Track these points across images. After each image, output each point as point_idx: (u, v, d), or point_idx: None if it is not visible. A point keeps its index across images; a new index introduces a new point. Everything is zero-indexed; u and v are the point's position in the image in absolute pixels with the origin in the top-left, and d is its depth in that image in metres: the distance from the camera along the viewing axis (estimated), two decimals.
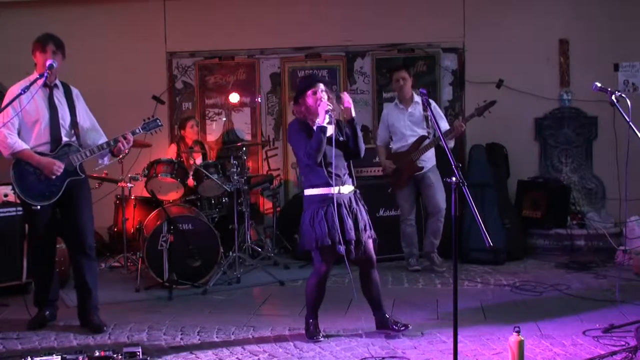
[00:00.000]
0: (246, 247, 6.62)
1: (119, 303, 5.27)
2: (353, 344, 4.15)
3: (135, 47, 7.57)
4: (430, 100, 6.21)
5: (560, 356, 3.83)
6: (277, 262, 6.59)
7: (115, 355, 3.67)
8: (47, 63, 4.27)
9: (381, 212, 6.60)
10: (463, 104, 7.52)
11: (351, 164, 4.32)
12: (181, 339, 4.34)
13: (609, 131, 6.18)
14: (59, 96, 4.52)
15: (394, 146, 6.24)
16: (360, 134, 4.25)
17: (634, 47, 7.18)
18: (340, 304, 5.00)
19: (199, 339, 4.33)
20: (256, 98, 7.77)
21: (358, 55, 7.67)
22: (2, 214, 5.42)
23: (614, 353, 3.78)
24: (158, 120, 4.76)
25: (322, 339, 4.22)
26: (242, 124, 7.82)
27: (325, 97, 4.16)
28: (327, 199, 4.11)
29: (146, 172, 6.13)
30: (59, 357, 3.67)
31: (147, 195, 6.27)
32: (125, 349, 3.76)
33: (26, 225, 4.82)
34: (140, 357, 3.74)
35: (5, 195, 5.51)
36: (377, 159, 6.59)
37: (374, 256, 4.33)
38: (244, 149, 6.35)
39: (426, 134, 6.07)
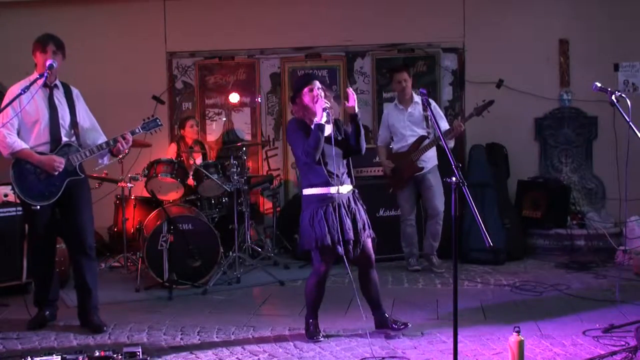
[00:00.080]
0: (246, 247, 6.62)
1: (119, 303, 5.27)
2: (353, 344, 4.15)
3: (135, 47, 7.57)
4: (430, 100, 6.21)
5: (560, 356, 3.83)
6: (277, 262, 6.60)
7: (115, 355, 3.67)
8: (47, 63, 4.27)
9: (381, 212, 6.60)
10: (463, 104, 7.52)
11: (350, 164, 4.32)
12: (181, 339, 4.34)
13: (609, 131, 6.19)
14: (59, 96, 4.52)
15: (395, 146, 6.25)
16: (362, 130, 4.25)
17: (634, 47, 7.18)
18: (340, 304, 5.00)
19: (199, 339, 4.33)
20: (256, 98, 7.77)
21: (358, 55, 7.67)
22: (2, 214, 5.42)
23: (614, 353, 3.78)
24: (158, 120, 4.76)
25: (322, 339, 4.22)
26: (242, 124, 7.82)
27: (322, 94, 4.15)
28: (326, 199, 4.11)
29: (146, 172, 6.13)
30: (59, 357, 3.67)
31: (147, 195, 6.27)
32: (125, 349, 3.76)
33: (26, 225, 4.82)
34: (140, 357, 3.74)
35: (5, 195, 5.51)
36: (377, 158, 6.59)
37: (373, 255, 4.33)
38: (244, 149, 6.35)
39: (426, 134, 6.07)
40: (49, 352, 3.88)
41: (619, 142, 5.20)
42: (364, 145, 4.27)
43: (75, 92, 4.64)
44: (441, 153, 6.15)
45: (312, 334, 4.24)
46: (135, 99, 7.47)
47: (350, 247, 4.12)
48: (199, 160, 6.74)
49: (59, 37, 4.50)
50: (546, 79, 7.37)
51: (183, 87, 7.83)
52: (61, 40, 4.48)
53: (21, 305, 4.76)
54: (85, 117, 4.63)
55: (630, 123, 4.11)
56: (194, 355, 4.01)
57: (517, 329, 3.54)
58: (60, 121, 4.47)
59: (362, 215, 4.23)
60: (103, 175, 6.39)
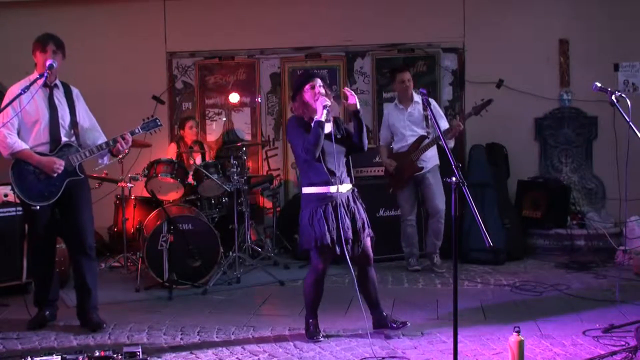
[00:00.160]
0: (246, 247, 6.62)
1: (119, 303, 5.27)
2: (353, 344, 4.15)
3: (135, 47, 7.57)
4: (430, 100, 6.21)
5: (560, 356, 3.83)
6: (277, 262, 6.60)
7: (115, 355, 3.67)
8: (47, 63, 4.27)
9: (381, 212, 6.60)
10: (463, 104, 7.52)
11: (350, 163, 4.32)
12: (181, 339, 4.34)
13: (609, 131, 6.19)
14: (59, 96, 4.52)
15: (395, 146, 6.25)
16: (365, 126, 4.26)
17: (634, 47, 7.18)
18: (340, 304, 5.00)
19: (199, 339, 4.33)
20: (256, 98, 7.77)
21: (358, 55, 7.68)
22: (2, 214, 5.42)
23: (614, 353, 3.78)
24: (157, 120, 4.75)
25: (322, 339, 4.22)
26: (242, 124, 7.82)
27: (323, 92, 4.15)
28: (325, 198, 4.10)
29: (146, 172, 6.13)
30: (59, 357, 3.67)
31: (147, 195, 6.27)
32: (125, 349, 3.76)
33: (26, 225, 4.82)
34: (140, 357, 3.74)
35: (5, 195, 5.51)
36: (377, 158, 6.60)
37: (371, 254, 4.33)
38: (244, 149, 6.35)
39: (425, 134, 6.07)
40: (49, 352, 3.88)
41: (619, 142, 5.20)
42: (366, 143, 4.28)
43: (75, 91, 4.64)
44: (441, 153, 6.15)
45: (312, 334, 4.24)
46: (135, 99, 7.47)
47: (349, 246, 4.11)
48: (198, 160, 6.74)
49: (59, 37, 4.50)
50: (546, 79, 7.37)
51: (183, 87, 7.83)
52: (61, 40, 4.48)
53: (21, 305, 4.76)
54: (85, 117, 4.63)
55: (630, 123, 4.10)
56: (194, 355, 4.01)
57: (517, 329, 3.54)
58: (60, 121, 4.47)
59: (362, 214, 4.23)
60: (103, 175, 6.39)
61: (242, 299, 5.41)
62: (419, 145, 6.03)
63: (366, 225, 4.24)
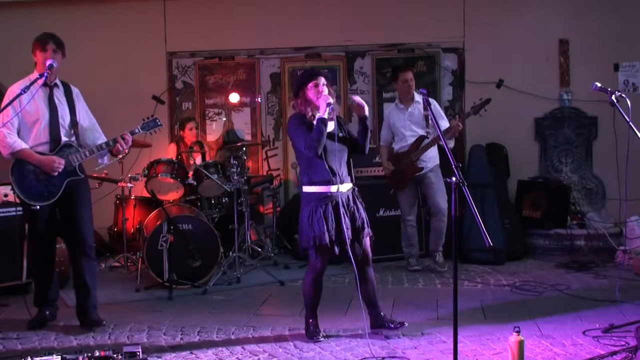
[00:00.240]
0: (246, 247, 6.62)
1: (119, 303, 5.27)
2: (353, 344, 4.15)
3: (135, 47, 7.57)
4: (431, 100, 6.21)
5: (560, 356, 3.83)
6: (277, 262, 6.59)
7: (115, 355, 3.67)
8: (47, 63, 4.28)
9: (381, 212, 6.60)
10: (463, 104, 7.51)
11: (351, 162, 4.31)
12: (181, 338, 4.34)
13: (609, 131, 6.19)
14: (59, 96, 4.52)
15: (395, 146, 6.24)
16: (369, 132, 4.28)
17: (634, 47, 7.18)
18: (340, 304, 5.00)
19: (199, 339, 4.33)
20: (256, 98, 7.77)
21: (358, 55, 7.68)
22: (2, 214, 5.42)
23: (614, 353, 3.78)
24: (157, 120, 4.75)
25: (322, 339, 4.22)
26: (242, 124, 7.82)
27: (326, 91, 4.15)
28: (326, 197, 4.10)
29: (146, 172, 6.13)
30: (59, 357, 3.67)
31: (147, 195, 6.27)
32: (125, 349, 3.75)
33: (26, 225, 4.82)
34: (140, 357, 3.74)
35: (5, 195, 5.51)
36: (377, 158, 6.60)
37: (370, 254, 4.33)
38: (244, 149, 6.35)
39: (425, 134, 6.07)
40: (49, 352, 3.88)
41: (619, 142, 5.20)
42: (367, 146, 4.30)
43: (75, 91, 4.64)
44: (442, 152, 6.15)
45: (312, 334, 4.24)
46: (135, 99, 7.47)
47: (348, 246, 4.11)
48: (198, 160, 6.74)
49: (59, 36, 4.50)
50: (546, 79, 7.36)
51: (183, 87, 7.83)
52: (61, 39, 4.48)
53: (21, 305, 4.76)
54: (85, 116, 4.63)
55: (631, 123, 4.11)
56: (194, 355, 4.01)
57: (517, 329, 3.55)
58: (60, 121, 4.47)
59: (361, 214, 4.23)
60: (103, 175, 6.39)
61: (242, 299, 5.41)
62: (418, 146, 6.03)
63: (365, 225, 4.23)
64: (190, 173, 6.31)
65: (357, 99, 4.20)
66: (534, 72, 7.34)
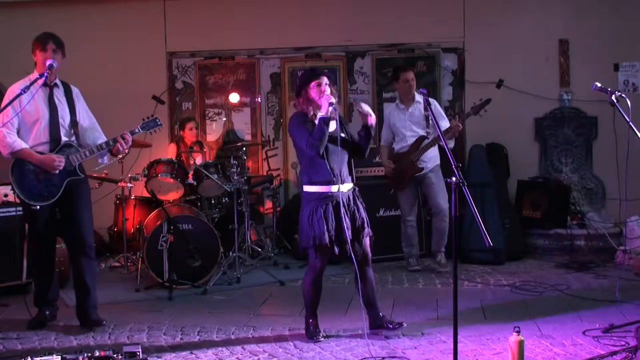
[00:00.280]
0: (246, 247, 6.62)
1: (119, 303, 5.27)
2: (353, 344, 4.15)
3: (135, 47, 7.57)
4: (432, 100, 6.20)
5: (560, 356, 3.83)
6: (277, 262, 6.59)
7: (115, 355, 3.67)
8: (47, 63, 4.28)
9: (381, 212, 6.60)
10: (463, 104, 7.51)
11: (352, 162, 4.31)
12: (181, 338, 4.34)
13: (609, 131, 6.19)
14: (59, 95, 4.52)
15: (396, 147, 6.23)
16: (372, 138, 4.30)
17: (634, 47, 7.18)
18: (340, 304, 5.00)
19: (199, 339, 4.33)
20: (256, 98, 7.77)
21: (358, 55, 7.68)
22: (2, 214, 5.42)
23: (614, 353, 3.78)
24: (157, 120, 4.75)
25: (322, 339, 4.22)
26: (242, 124, 7.82)
27: (329, 90, 4.15)
28: (326, 197, 4.10)
29: (146, 172, 6.13)
30: (59, 357, 3.67)
31: (147, 195, 6.27)
32: (125, 349, 3.75)
33: (26, 225, 4.82)
34: (140, 356, 3.74)
35: (5, 195, 5.51)
36: (377, 158, 6.60)
37: (370, 254, 4.33)
38: (244, 149, 6.35)
39: (425, 134, 6.06)
40: (49, 352, 3.88)
41: (619, 142, 5.20)
42: (367, 151, 4.33)
43: (75, 91, 4.64)
44: (442, 152, 6.14)
45: (312, 334, 4.24)
46: (135, 99, 7.47)
47: (347, 246, 4.11)
48: (198, 160, 6.74)
49: (59, 36, 4.50)
50: (546, 79, 7.36)
51: (183, 87, 7.83)
52: (60, 39, 4.48)
53: (21, 305, 4.76)
54: (85, 116, 4.63)
55: (631, 123, 4.11)
56: (194, 355, 4.01)
57: (517, 329, 3.55)
58: (60, 120, 4.47)
59: (362, 214, 4.23)
60: (103, 175, 6.39)
61: (242, 299, 5.41)
62: (419, 146, 6.02)
63: (365, 225, 4.23)
64: (191, 173, 6.30)
65: (365, 108, 4.19)
66: (534, 72, 7.34)
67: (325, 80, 4.17)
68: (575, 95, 7.32)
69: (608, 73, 7.17)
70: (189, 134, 7.03)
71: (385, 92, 7.66)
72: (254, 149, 7.73)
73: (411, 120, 6.12)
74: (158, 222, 5.71)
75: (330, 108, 4.04)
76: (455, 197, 3.35)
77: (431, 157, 6.08)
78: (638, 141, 4.09)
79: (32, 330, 4.51)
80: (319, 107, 4.12)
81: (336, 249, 4.11)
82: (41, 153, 4.39)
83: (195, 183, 6.24)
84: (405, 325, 4.31)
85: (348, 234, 4.09)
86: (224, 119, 7.79)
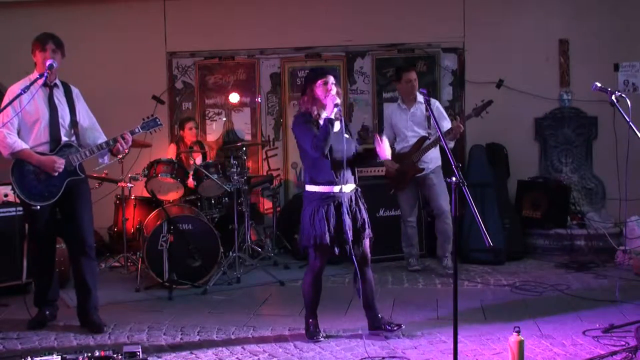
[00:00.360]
0: (246, 247, 6.62)
1: (119, 303, 5.27)
2: (353, 344, 4.15)
3: (135, 47, 7.57)
4: (434, 100, 6.19)
5: (560, 356, 3.83)
6: (277, 262, 6.59)
7: (115, 355, 3.67)
8: (47, 63, 4.27)
9: (381, 212, 6.60)
10: (463, 104, 7.52)
11: (354, 162, 4.29)
12: (181, 338, 4.34)
13: (609, 131, 6.18)
14: (59, 96, 4.52)
15: (397, 147, 6.20)
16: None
17: (634, 47, 7.18)
18: (340, 304, 5.00)
19: (199, 339, 4.33)
20: (256, 98, 7.77)
21: (358, 55, 7.68)
22: (2, 214, 5.42)
23: (614, 353, 3.78)
24: (157, 120, 4.75)
25: (322, 339, 4.22)
26: (242, 124, 7.82)
27: (335, 90, 4.14)
28: (328, 197, 4.10)
29: (146, 172, 6.13)
30: (59, 357, 3.67)
31: (147, 195, 6.27)
32: (125, 349, 3.75)
33: (26, 225, 4.82)
34: (140, 357, 3.74)
35: (5, 195, 5.51)
36: (377, 159, 6.58)
37: (369, 255, 4.33)
38: (244, 149, 6.35)
39: (427, 135, 6.04)
40: (49, 352, 3.87)
41: (619, 142, 5.19)
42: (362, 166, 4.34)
43: (75, 91, 4.64)
44: (442, 153, 6.13)
45: (312, 334, 4.24)
46: (135, 99, 7.47)
47: (348, 246, 4.11)
48: (198, 160, 6.74)
49: (59, 36, 4.50)
50: (546, 79, 7.36)
51: (183, 87, 7.83)
52: (60, 39, 4.48)
53: (21, 305, 4.75)
54: (85, 116, 4.63)
55: (631, 123, 4.11)
56: (194, 355, 4.01)
57: (517, 329, 3.55)
58: (60, 121, 4.47)
59: (363, 215, 4.23)
60: (103, 175, 6.39)
61: (242, 299, 5.41)
62: (420, 146, 6.00)
63: (366, 226, 4.23)
64: (191, 173, 6.31)
65: (384, 146, 4.18)
66: (534, 72, 7.34)
67: (331, 79, 4.17)
68: (575, 95, 7.32)
69: (608, 73, 7.17)
70: (189, 134, 7.03)
71: (385, 92, 7.65)
72: (254, 149, 7.73)
73: (413, 120, 6.10)
74: (158, 222, 5.71)
75: (336, 109, 4.04)
76: (455, 197, 3.36)
77: (432, 158, 6.06)
78: (638, 141, 4.09)
79: (32, 330, 4.51)
80: (323, 107, 4.12)
81: (336, 250, 4.11)
82: (41, 153, 4.39)
83: (195, 183, 6.24)
84: (404, 327, 4.30)
85: (349, 234, 4.09)
86: (224, 119, 7.79)
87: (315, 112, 4.14)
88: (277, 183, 7.64)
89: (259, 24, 7.58)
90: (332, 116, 4.03)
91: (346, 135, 4.17)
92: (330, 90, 4.12)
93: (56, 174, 4.37)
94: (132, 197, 6.59)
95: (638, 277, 5.76)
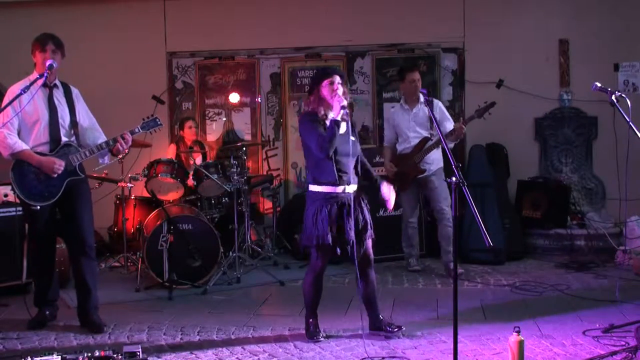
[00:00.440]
0: (246, 247, 6.62)
1: (119, 303, 5.27)
2: (353, 344, 4.15)
3: (135, 47, 7.57)
4: (437, 101, 6.17)
5: (560, 356, 3.83)
6: (277, 262, 6.59)
7: (115, 355, 3.67)
8: (47, 63, 4.27)
9: (381, 212, 6.59)
10: (463, 104, 7.52)
11: (359, 164, 4.29)
12: (181, 338, 4.34)
13: (609, 131, 6.18)
14: (59, 96, 4.52)
15: (399, 147, 6.18)
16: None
17: (634, 47, 7.19)
18: (340, 304, 5.00)
19: (199, 339, 4.33)
20: (256, 98, 7.77)
21: (358, 55, 7.68)
22: (2, 214, 5.42)
23: (614, 353, 3.78)
24: (157, 120, 4.75)
25: (322, 339, 4.22)
26: (242, 124, 7.82)
27: (341, 90, 4.14)
28: (331, 197, 4.10)
29: (146, 172, 6.13)
30: (59, 357, 3.67)
31: (147, 195, 6.27)
32: (125, 349, 3.75)
33: (26, 225, 4.82)
34: (140, 357, 3.74)
35: (5, 195, 5.51)
36: (377, 158, 6.59)
37: (372, 255, 4.33)
38: (244, 149, 6.35)
39: (429, 136, 6.00)
40: (49, 352, 3.87)
41: (619, 142, 5.20)
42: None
43: (75, 91, 4.64)
44: (444, 154, 6.12)
45: (312, 334, 4.24)
46: (135, 99, 7.47)
47: (348, 247, 4.11)
48: (198, 160, 6.74)
49: (59, 37, 4.50)
50: (546, 79, 7.37)
51: (183, 87, 7.83)
52: (60, 40, 4.48)
53: (21, 305, 4.75)
54: (85, 116, 4.63)
55: (631, 123, 4.11)
56: (194, 355, 4.01)
57: (517, 329, 3.55)
58: (60, 121, 4.47)
59: (365, 215, 4.23)
60: (103, 175, 6.39)
61: (242, 299, 5.41)
62: (422, 147, 5.98)
63: (368, 227, 4.23)
64: (191, 173, 6.31)
65: (388, 195, 4.27)
66: (534, 72, 7.34)
67: (337, 79, 4.16)
68: (575, 95, 7.32)
69: (608, 73, 7.17)
70: (188, 133, 7.03)
71: (385, 92, 7.66)
72: (254, 149, 7.73)
73: (415, 121, 6.07)
74: (158, 222, 5.71)
75: (342, 111, 4.04)
76: (455, 197, 3.36)
77: (434, 159, 6.02)
78: (638, 141, 4.09)
79: (32, 330, 4.51)
80: (329, 107, 4.12)
81: (338, 250, 4.11)
82: (41, 153, 4.39)
83: (195, 183, 6.24)
84: (404, 329, 4.30)
85: (351, 234, 4.09)
86: (224, 119, 7.80)
87: (322, 113, 4.14)
88: (277, 183, 7.64)
89: (259, 24, 7.58)
90: (339, 117, 4.03)
91: (352, 138, 4.16)
92: (337, 90, 4.12)
93: (55, 175, 4.37)
94: (132, 197, 6.59)
95: (638, 277, 5.76)
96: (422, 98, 6.05)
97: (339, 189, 4.10)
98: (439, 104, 6.10)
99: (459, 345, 3.50)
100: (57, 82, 4.54)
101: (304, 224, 4.19)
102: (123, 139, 4.49)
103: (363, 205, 4.24)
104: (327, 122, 4.08)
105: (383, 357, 3.90)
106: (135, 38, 7.59)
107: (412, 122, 6.08)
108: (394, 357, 3.91)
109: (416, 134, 6.05)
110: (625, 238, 6.36)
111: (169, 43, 7.72)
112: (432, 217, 6.37)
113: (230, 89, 7.71)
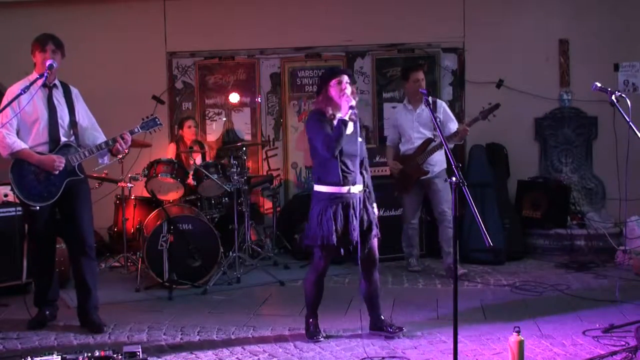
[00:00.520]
0: (246, 247, 6.62)
1: (119, 303, 5.27)
2: (353, 344, 4.15)
3: (135, 47, 7.57)
4: (441, 101, 6.15)
5: (560, 356, 3.83)
6: (277, 262, 6.59)
7: (115, 355, 3.67)
8: (47, 63, 4.27)
9: (382, 212, 6.58)
10: (463, 104, 7.52)
11: (365, 164, 4.28)
12: (181, 338, 4.34)
13: (609, 131, 6.18)
14: (58, 96, 4.52)
15: (402, 148, 6.15)
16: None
17: (634, 47, 7.19)
18: (341, 304, 5.00)
19: (199, 339, 4.33)
20: (256, 98, 7.77)
21: (358, 55, 7.68)
22: (2, 214, 5.42)
23: (614, 353, 3.79)
24: (157, 119, 4.75)
25: (322, 339, 4.22)
26: (242, 124, 7.81)
27: (349, 90, 4.14)
28: (337, 198, 4.09)
29: (146, 172, 6.13)
30: (59, 357, 3.67)
31: (147, 195, 6.27)
32: (125, 349, 3.75)
33: (26, 225, 4.82)
34: (140, 357, 3.74)
35: (5, 195, 5.51)
36: (377, 158, 6.58)
37: (377, 256, 4.32)
38: (244, 149, 6.35)
39: (432, 137, 5.96)
40: (49, 352, 3.86)
41: (619, 142, 5.19)
42: None
43: (74, 91, 4.64)
44: (445, 154, 6.11)
45: (312, 334, 4.24)
46: (135, 99, 7.46)
47: (352, 247, 4.11)
48: (198, 160, 6.74)
49: (59, 37, 4.50)
50: (546, 79, 7.37)
51: (183, 87, 7.83)
52: (60, 40, 4.48)
53: (21, 305, 4.75)
54: (84, 116, 4.63)
55: (631, 123, 4.11)
56: (194, 355, 4.01)
57: (517, 329, 3.55)
58: (59, 121, 4.47)
59: (370, 216, 4.22)
60: (103, 175, 6.39)
61: (242, 299, 5.41)
62: (425, 148, 5.94)
63: (373, 226, 4.22)
64: (191, 173, 6.31)
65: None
66: (534, 72, 7.34)
67: (345, 78, 4.17)
68: (575, 95, 7.32)
69: (608, 73, 7.17)
70: (188, 132, 7.03)
71: (385, 92, 7.66)
72: (254, 149, 7.73)
73: (419, 121, 6.03)
74: (158, 222, 5.71)
75: (350, 111, 4.04)
76: (455, 197, 3.36)
77: (437, 161, 5.99)
78: (638, 141, 4.09)
79: (32, 330, 4.52)
80: (337, 107, 4.12)
81: (342, 250, 4.11)
82: (41, 153, 4.39)
83: (195, 182, 6.24)
84: (405, 330, 4.30)
85: (355, 235, 4.08)
86: (224, 119, 7.79)
87: (330, 112, 4.14)
88: (277, 183, 7.64)
89: (259, 24, 7.58)
90: (347, 117, 4.03)
91: (359, 139, 4.15)
92: (345, 89, 4.12)
93: (57, 172, 4.37)
94: (132, 197, 6.59)
95: (638, 277, 5.76)
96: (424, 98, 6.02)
97: (344, 189, 4.09)
98: (442, 105, 6.07)
99: (459, 345, 3.50)
100: (56, 82, 4.54)
101: (308, 223, 4.18)
102: (122, 139, 4.49)
103: (368, 205, 4.24)
104: (335, 122, 4.08)
105: (383, 357, 3.91)
106: (135, 38, 7.59)
107: (415, 123, 6.05)
108: (393, 357, 3.91)
109: (420, 134, 6.03)
110: (625, 238, 6.36)
111: (169, 43, 7.72)
112: (431, 216, 6.37)
113: (230, 89, 7.71)
